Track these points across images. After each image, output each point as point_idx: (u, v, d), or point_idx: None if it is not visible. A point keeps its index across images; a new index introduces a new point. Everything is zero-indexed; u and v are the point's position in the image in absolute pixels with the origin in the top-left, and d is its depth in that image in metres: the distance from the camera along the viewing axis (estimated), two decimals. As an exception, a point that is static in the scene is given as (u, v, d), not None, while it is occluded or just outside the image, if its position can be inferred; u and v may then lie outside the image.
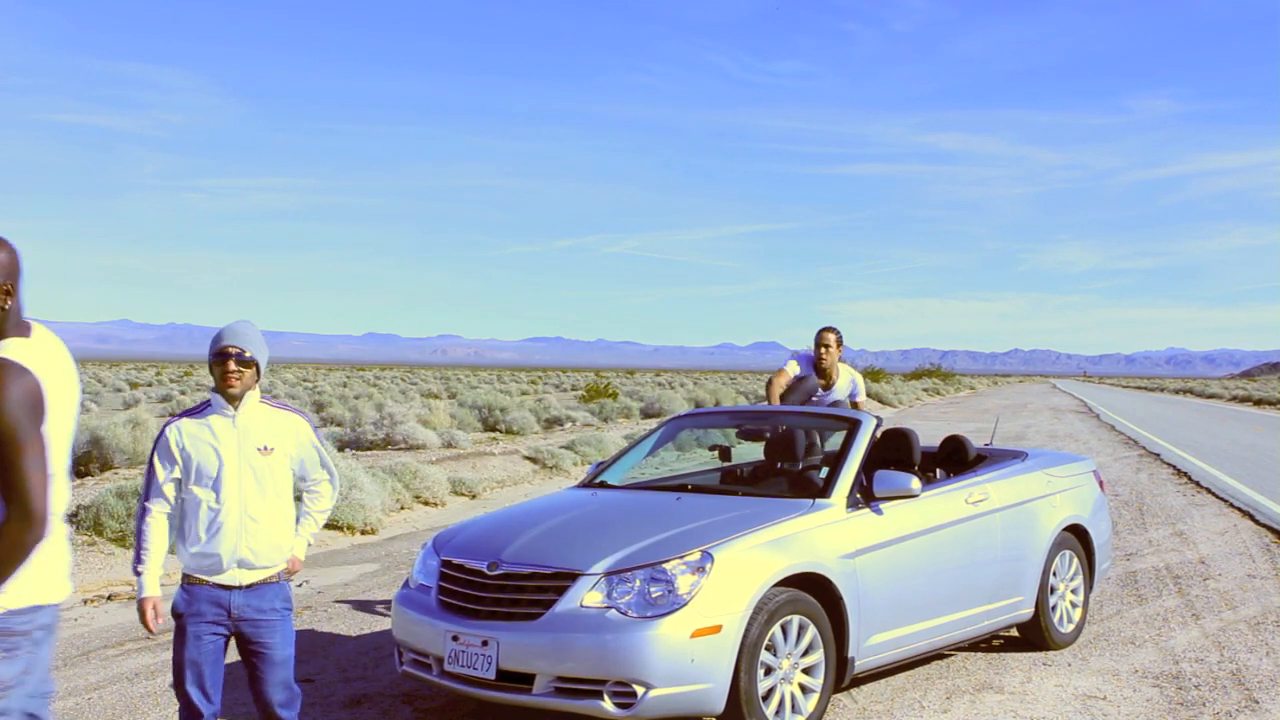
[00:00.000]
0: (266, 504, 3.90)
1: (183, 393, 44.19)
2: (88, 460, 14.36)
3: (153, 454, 3.91)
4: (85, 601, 7.99)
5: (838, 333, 7.43)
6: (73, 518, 9.75)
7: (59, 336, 3.00)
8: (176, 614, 3.91)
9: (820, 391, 7.45)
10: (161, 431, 3.93)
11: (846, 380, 7.54)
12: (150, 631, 3.88)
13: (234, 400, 3.88)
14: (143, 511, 3.92)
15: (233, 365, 3.84)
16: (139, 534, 3.91)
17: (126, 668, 6.14)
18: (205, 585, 3.88)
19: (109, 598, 8.09)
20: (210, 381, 4.36)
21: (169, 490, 3.88)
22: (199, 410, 3.94)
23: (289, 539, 4.00)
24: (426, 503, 12.82)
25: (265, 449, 3.90)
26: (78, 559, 8.94)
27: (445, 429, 21.39)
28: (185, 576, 3.92)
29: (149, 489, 3.90)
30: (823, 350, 7.29)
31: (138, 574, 3.89)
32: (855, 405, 7.40)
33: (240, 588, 3.89)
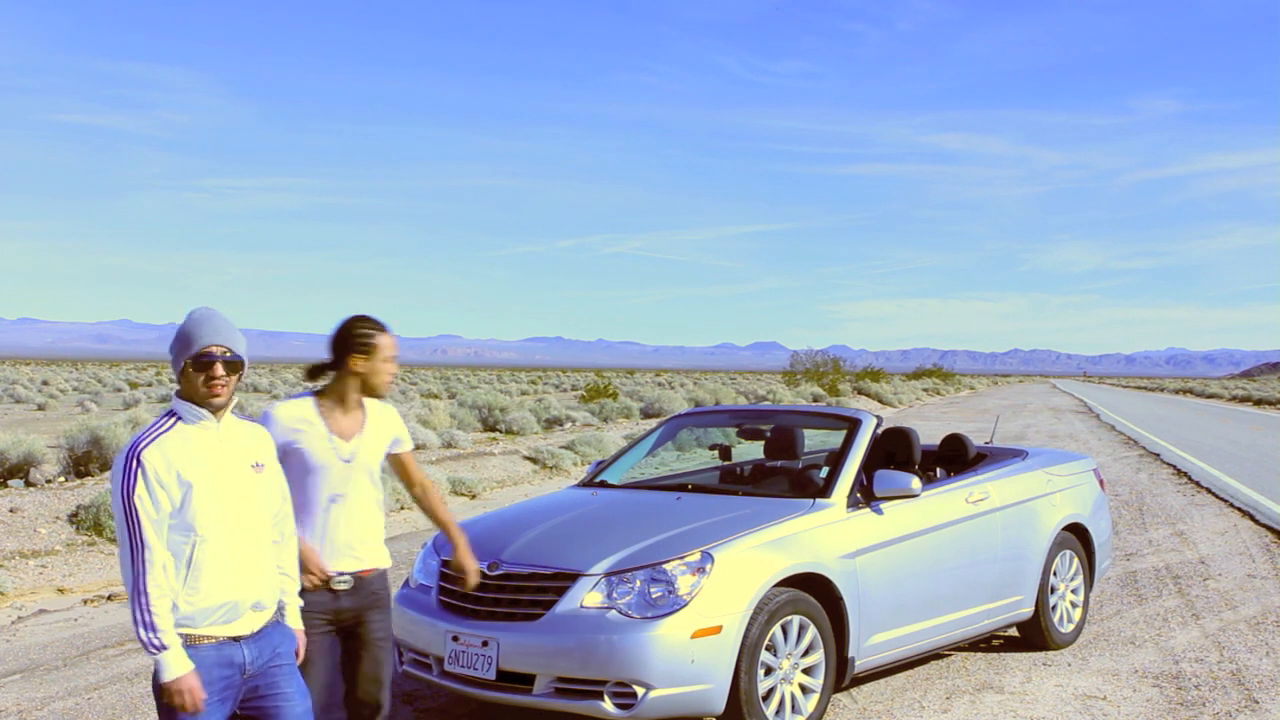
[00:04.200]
0: (267, 531, 3.23)
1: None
2: (88, 460, 14.35)
3: (132, 489, 2.95)
4: (85, 601, 8.00)
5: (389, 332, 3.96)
6: (73, 518, 9.75)
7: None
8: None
9: (333, 446, 3.82)
10: (135, 458, 2.96)
11: (387, 422, 4.05)
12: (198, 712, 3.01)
13: (217, 411, 3.10)
14: (146, 563, 2.93)
15: (220, 370, 3.06)
16: (144, 596, 2.92)
17: (126, 668, 6.14)
18: (212, 643, 3.06)
19: (109, 598, 8.09)
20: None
21: (164, 532, 2.99)
22: (166, 425, 3.07)
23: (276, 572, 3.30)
24: (426, 503, 12.80)
25: (258, 466, 3.20)
26: (78, 559, 8.95)
27: (445, 429, 21.39)
28: (185, 637, 3.03)
29: (141, 537, 2.94)
30: (361, 358, 3.85)
31: (162, 647, 2.93)
32: (402, 461, 4.14)
33: (252, 636, 3.15)
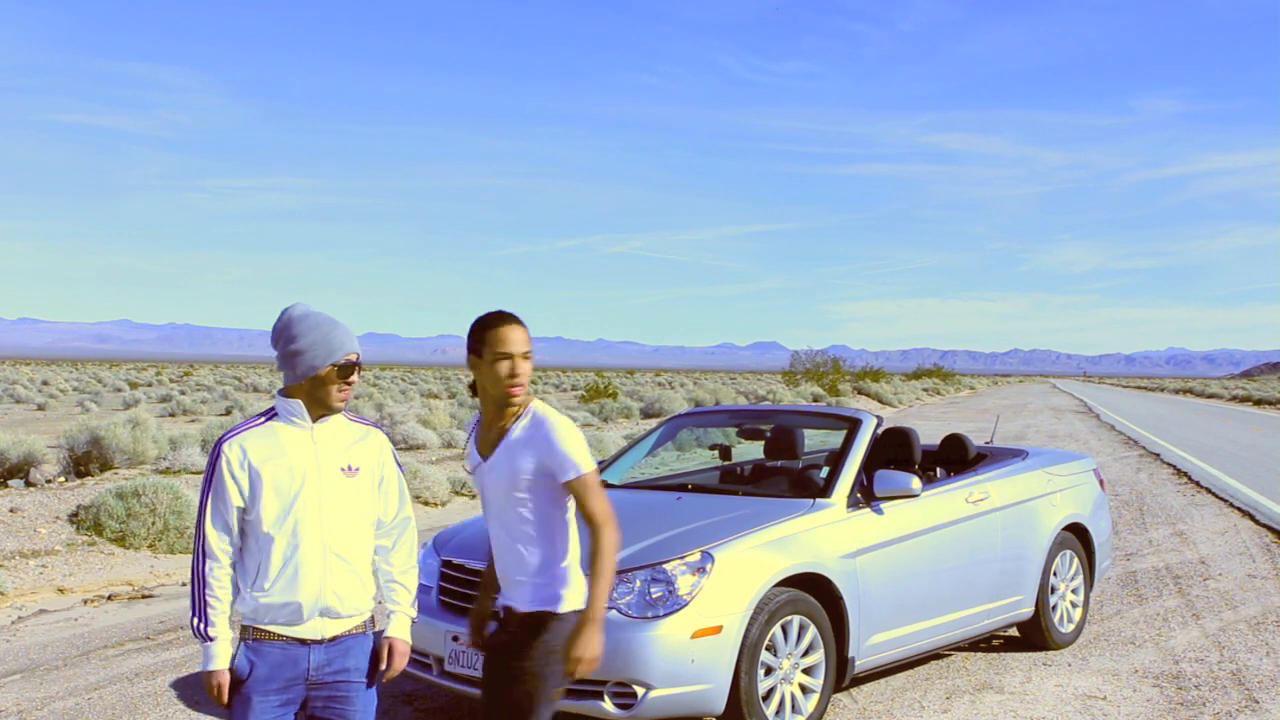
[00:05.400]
0: (353, 537, 3.08)
1: (182, 393, 44.22)
2: (88, 460, 14.36)
3: (210, 478, 3.01)
4: (85, 602, 8.00)
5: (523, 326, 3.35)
6: (73, 518, 9.76)
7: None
8: (236, 680, 3.02)
9: (475, 463, 3.43)
10: (218, 449, 3.01)
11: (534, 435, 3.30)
12: (228, 708, 3.04)
13: (323, 413, 3.07)
14: (202, 555, 3.00)
15: (356, 376, 3.06)
16: (202, 585, 2.98)
17: (126, 668, 6.14)
18: (277, 641, 3.01)
19: (109, 598, 8.09)
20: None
21: (235, 525, 3.01)
22: (260, 420, 3.08)
23: (371, 581, 3.16)
24: (426, 503, 12.82)
25: (350, 469, 3.07)
26: (78, 559, 8.95)
27: (445, 429, 21.40)
28: (250, 630, 3.03)
29: (202, 527, 3.01)
30: (473, 358, 3.32)
31: (207, 638, 2.97)
32: (574, 491, 3.26)
33: (321, 642, 3.04)
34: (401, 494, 3.23)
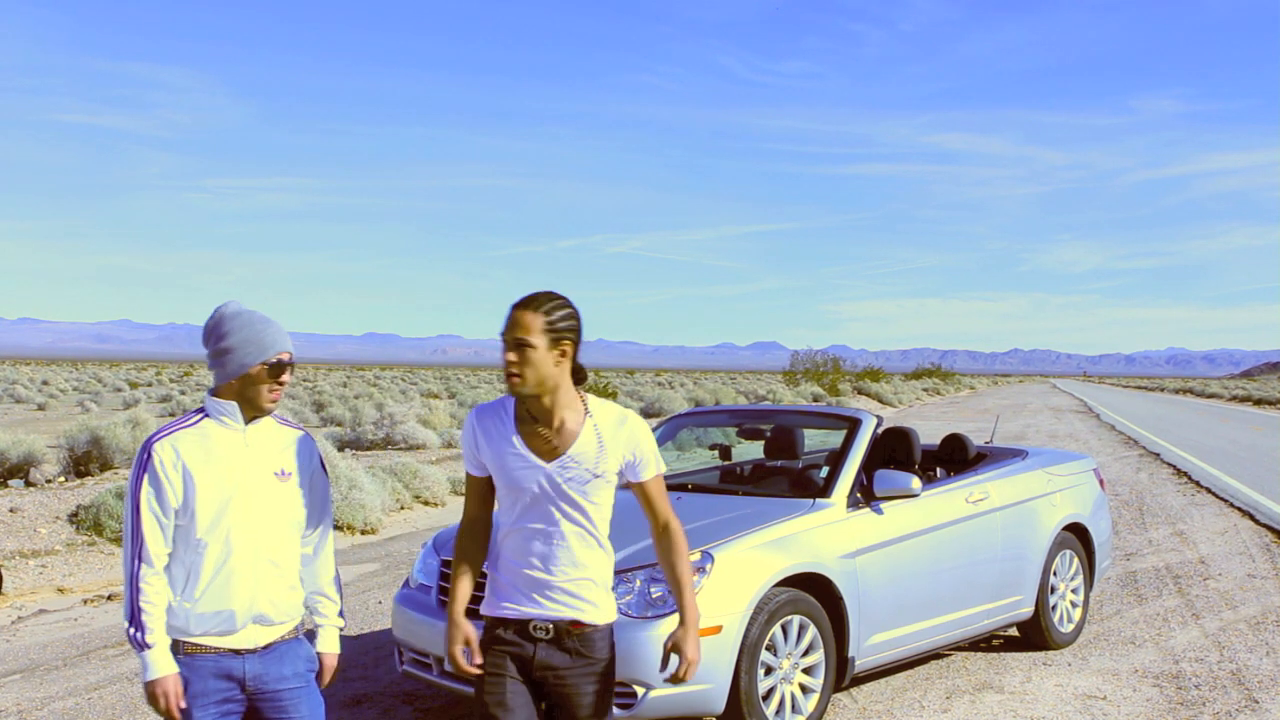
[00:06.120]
0: (285, 543, 3.02)
1: (183, 393, 44.23)
2: (88, 460, 14.37)
3: (139, 482, 2.87)
4: (85, 601, 8.00)
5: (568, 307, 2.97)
6: (73, 518, 9.76)
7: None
8: None
9: (526, 463, 2.98)
10: (148, 451, 2.88)
11: (619, 437, 3.03)
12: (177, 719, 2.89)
13: (254, 414, 2.99)
14: (137, 559, 2.85)
15: (288, 376, 2.99)
16: (135, 591, 2.84)
17: (126, 668, 6.14)
18: (210, 653, 2.92)
19: (109, 598, 8.09)
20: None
21: (169, 529, 2.88)
22: (191, 420, 2.96)
23: (300, 586, 3.10)
24: (426, 503, 12.82)
25: (283, 474, 3.00)
26: (78, 559, 8.95)
27: (445, 429, 21.40)
28: (180, 644, 2.91)
29: (138, 530, 2.85)
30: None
31: (145, 646, 2.83)
32: (644, 492, 3.10)
33: (255, 651, 2.96)
34: (326, 501, 3.14)
